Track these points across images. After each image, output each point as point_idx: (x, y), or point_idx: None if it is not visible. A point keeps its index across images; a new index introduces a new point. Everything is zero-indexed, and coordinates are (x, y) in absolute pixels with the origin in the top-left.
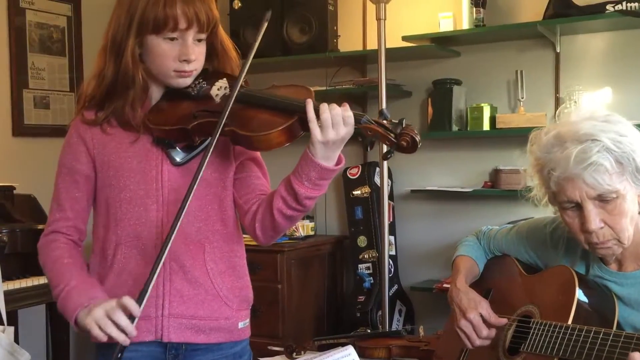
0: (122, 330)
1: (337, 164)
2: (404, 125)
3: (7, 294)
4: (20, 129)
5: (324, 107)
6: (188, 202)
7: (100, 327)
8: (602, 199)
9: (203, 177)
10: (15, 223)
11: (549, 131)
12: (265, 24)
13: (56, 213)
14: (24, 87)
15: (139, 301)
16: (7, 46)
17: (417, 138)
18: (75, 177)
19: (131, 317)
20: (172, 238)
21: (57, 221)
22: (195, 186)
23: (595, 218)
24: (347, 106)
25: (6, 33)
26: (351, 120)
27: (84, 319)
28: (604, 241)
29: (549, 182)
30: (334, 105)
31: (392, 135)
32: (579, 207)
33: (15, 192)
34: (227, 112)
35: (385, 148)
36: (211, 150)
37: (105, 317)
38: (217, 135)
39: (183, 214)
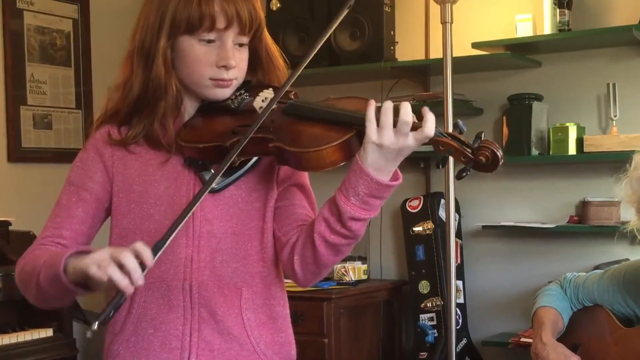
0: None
1: (393, 180)
2: (482, 139)
3: (1, 349)
4: (16, 153)
5: (387, 108)
6: (192, 210)
7: (100, 267)
8: None
9: (242, 207)
10: (11, 265)
11: None
12: (345, 12)
13: (48, 230)
14: (21, 103)
15: (153, 252)
16: (2, 55)
17: (499, 153)
18: (82, 195)
19: (141, 266)
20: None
21: (47, 237)
22: (205, 193)
23: None
24: (433, 120)
25: (0, 39)
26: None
27: (77, 263)
28: None
29: None
30: (406, 109)
31: (468, 150)
32: None
33: (10, 228)
34: (268, 122)
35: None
36: (235, 155)
37: (109, 258)
38: (246, 140)
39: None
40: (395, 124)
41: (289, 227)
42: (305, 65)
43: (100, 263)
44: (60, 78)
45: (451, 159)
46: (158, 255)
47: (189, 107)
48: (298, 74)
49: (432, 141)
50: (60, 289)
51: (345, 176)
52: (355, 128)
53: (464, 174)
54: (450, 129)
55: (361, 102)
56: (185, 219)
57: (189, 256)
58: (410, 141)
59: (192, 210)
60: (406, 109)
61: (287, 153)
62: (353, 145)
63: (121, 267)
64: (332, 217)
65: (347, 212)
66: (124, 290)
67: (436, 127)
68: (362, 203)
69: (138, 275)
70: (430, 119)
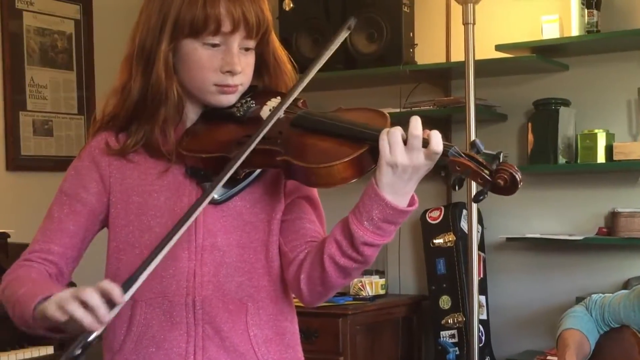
0: (92, 313)
1: (409, 205)
2: (501, 160)
3: None
4: (16, 161)
5: (395, 128)
6: (193, 217)
7: (60, 307)
8: None
9: (247, 219)
10: None
11: None
12: (345, 34)
13: (37, 244)
14: (20, 109)
15: (124, 289)
16: (0, 57)
17: (518, 176)
18: (75, 207)
19: (110, 304)
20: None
21: (34, 252)
22: (205, 201)
23: None
24: (438, 135)
25: None
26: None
27: (42, 307)
28: None
29: None
30: (415, 123)
31: (486, 171)
32: None
33: (9, 240)
34: (275, 133)
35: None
36: (236, 166)
37: (72, 297)
38: (247, 153)
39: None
40: (405, 141)
41: (296, 242)
42: (303, 84)
43: (60, 303)
44: (62, 82)
45: None
46: (131, 291)
47: (191, 113)
48: (307, 79)
49: (448, 161)
50: (39, 329)
51: (360, 199)
52: (367, 144)
53: (481, 197)
54: (483, 150)
55: (373, 114)
56: (163, 250)
57: (192, 270)
58: (423, 158)
59: (171, 241)
60: (415, 122)
61: (296, 168)
62: (365, 161)
63: (84, 304)
64: (344, 240)
65: (359, 237)
66: (88, 328)
67: (453, 146)
68: (375, 228)
69: (103, 312)
70: (434, 133)
